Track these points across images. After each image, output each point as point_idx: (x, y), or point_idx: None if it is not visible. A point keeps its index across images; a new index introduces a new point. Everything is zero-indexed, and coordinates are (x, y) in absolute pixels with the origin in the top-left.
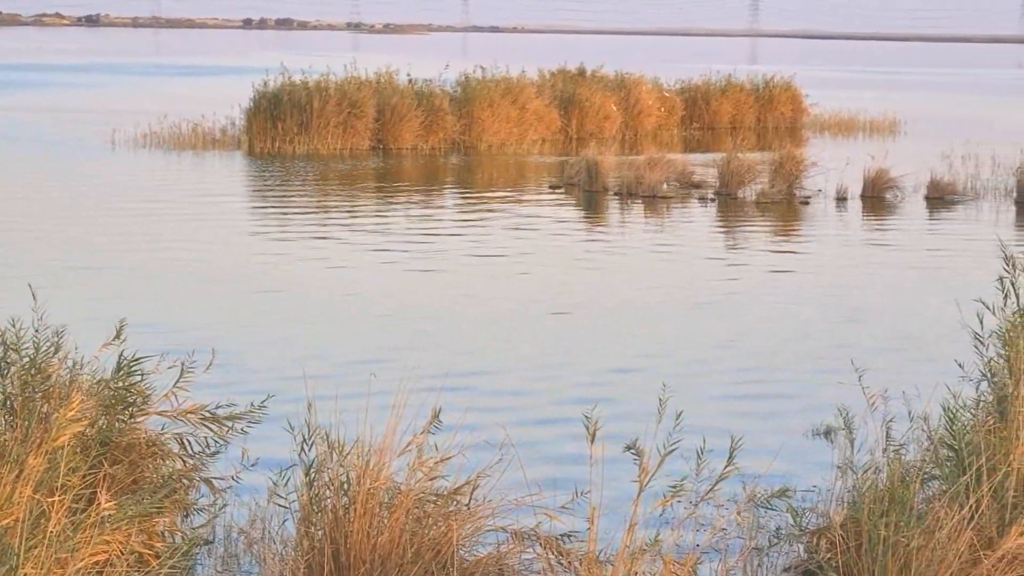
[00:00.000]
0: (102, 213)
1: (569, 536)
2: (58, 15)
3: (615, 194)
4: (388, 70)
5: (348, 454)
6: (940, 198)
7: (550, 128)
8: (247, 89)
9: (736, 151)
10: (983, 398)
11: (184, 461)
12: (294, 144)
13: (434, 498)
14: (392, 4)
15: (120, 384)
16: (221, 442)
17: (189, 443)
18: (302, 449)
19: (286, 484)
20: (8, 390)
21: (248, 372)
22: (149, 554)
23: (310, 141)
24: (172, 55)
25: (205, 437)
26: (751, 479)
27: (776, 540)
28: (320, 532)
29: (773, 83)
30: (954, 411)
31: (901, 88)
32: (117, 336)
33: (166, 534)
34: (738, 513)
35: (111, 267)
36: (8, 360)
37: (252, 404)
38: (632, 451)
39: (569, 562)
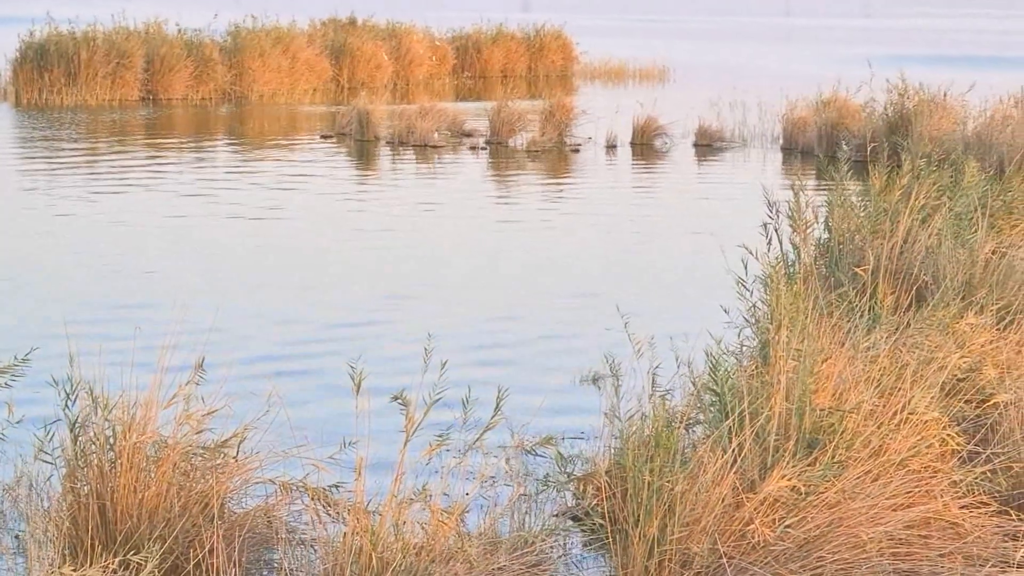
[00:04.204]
0: None
1: (337, 486)
2: None
3: (387, 143)
4: (157, 20)
5: (113, 408)
6: (708, 145)
7: (321, 78)
8: (13, 39)
9: (507, 100)
10: (746, 343)
11: None
12: (62, 95)
13: (201, 451)
14: None
15: None
16: None
17: None
18: (66, 405)
19: (51, 440)
20: None
21: (10, 326)
22: None
23: (78, 92)
24: None
25: None
26: (519, 427)
27: (544, 487)
28: (86, 487)
29: (544, 32)
30: (717, 357)
31: (670, 36)
32: None
33: None
34: (506, 461)
35: None
36: None
37: (16, 358)
38: (399, 401)
39: (338, 512)
